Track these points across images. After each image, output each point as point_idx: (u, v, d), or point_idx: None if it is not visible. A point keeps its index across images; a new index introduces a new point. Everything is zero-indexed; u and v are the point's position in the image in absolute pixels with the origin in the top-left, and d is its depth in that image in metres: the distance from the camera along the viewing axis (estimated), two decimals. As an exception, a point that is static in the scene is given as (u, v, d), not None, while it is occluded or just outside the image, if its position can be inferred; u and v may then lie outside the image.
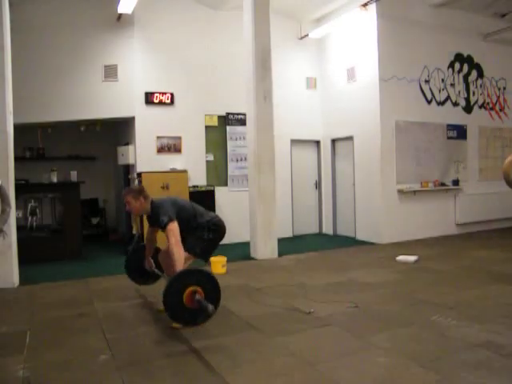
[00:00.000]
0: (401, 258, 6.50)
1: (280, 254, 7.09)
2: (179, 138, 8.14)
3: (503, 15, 9.37)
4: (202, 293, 3.35)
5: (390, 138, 8.19)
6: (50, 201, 7.33)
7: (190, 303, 3.33)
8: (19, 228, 6.02)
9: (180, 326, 3.80)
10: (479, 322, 3.79)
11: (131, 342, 3.62)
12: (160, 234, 4.19)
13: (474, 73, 9.48)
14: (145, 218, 7.16)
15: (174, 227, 3.78)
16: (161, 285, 5.22)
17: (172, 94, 8.02)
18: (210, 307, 3.22)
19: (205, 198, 7.86)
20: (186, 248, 3.85)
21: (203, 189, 7.96)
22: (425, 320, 3.91)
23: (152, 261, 4.51)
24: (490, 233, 9.07)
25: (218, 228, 4.17)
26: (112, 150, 9.32)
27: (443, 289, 4.96)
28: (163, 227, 3.82)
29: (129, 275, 4.73)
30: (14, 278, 5.48)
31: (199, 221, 4.10)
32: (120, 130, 9.08)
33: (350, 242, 8.44)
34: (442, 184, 8.83)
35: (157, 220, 3.91)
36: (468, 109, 9.38)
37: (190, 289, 3.34)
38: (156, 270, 4.50)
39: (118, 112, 7.92)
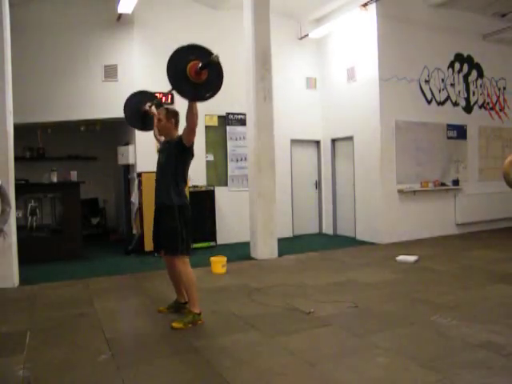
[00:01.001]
0: (401, 257, 6.50)
1: (280, 254, 7.09)
2: (179, 138, 8.13)
3: (503, 15, 9.37)
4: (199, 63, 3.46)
5: (390, 137, 8.19)
6: (50, 201, 7.32)
7: (194, 75, 3.40)
8: (19, 228, 6.01)
9: (180, 326, 3.81)
10: (479, 322, 3.79)
11: (131, 342, 3.62)
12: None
13: (474, 73, 9.49)
14: (145, 217, 7.17)
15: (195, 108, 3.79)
16: (161, 285, 5.24)
17: (172, 94, 8.02)
18: (213, 55, 3.34)
19: (205, 197, 7.86)
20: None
21: (203, 189, 7.96)
22: (425, 320, 3.92)
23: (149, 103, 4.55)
24: (490, 233, 9.07)
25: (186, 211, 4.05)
26: (112, 150, 9.31)
27: (443, 289, 4.96)
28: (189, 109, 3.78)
29: (128, 121, 4.78)
30: (14, 278, 5.48)
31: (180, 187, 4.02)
32: (120, 130, 9.07)
33: (350, 241, 8.44)
34: (442, 184, 8.83)
35: (173, 144, 3.96)
36: (468, 109, 9.39)
37: (191, 63, 3.43)
38: (153, 108, 4.50)
39: (118, 112, 7.87)
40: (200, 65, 3.45)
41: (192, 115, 3.75)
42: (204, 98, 3.65)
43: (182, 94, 3.61)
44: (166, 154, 4.05)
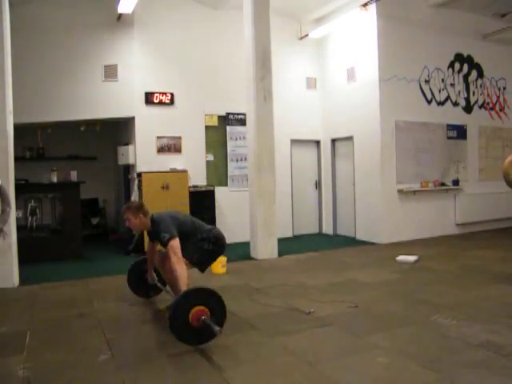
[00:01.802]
0: (401, 257, 6.50)
1: (280, 254, 7.09)
2: (179, 137, 8.14)
3: (503, 15, 9.36)
4: (207, 312, 3.34)
5: (389, 137, 8.19)
6: (50, 201, 7.33)
7: (196, 323, 3.30)
8: (19, 228, 6.02)
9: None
10: (479, 322, 3.79)
11: (131, 342, 3.62)
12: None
13: (474, 73, 9.49)
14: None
15: (175, 244, 3.77)
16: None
17: (172, 94, 8.02)
18: (216, 328, 3.23)
19: (205, 198, 7.86)
20: (184, 254, 3.84)
21: (203, 189, 7.96)
22: (425, 320, 3.92)
23: (154, 274, 4.51)
24: (490, 233, 9.07)
25: (219, 241, 4.17)
26: (112, 149, 9.32)
27: (443, 289, 4.96)
28: (165, 243, 3.81)
29: (131, 288, 4.71)
30: (14, 278, 5.48)
31: (199, 235, 4.09)
32: (120, 129, 9.08)
33: (350, 241, 8.44)
34: (442, 184, 8.83)
35: (157, 235, 3.91)
36: (468, 109, 9.39)
37: (196, 308, 3.31)
38: (158, 284, 4.50)
39: (118, 112, 7.92)
40: (203, 320, 3.29)
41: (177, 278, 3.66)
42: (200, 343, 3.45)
43: (183, 341, 3.40)
44: (159, 239, 3.98)
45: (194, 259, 4.01)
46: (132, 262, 4.78)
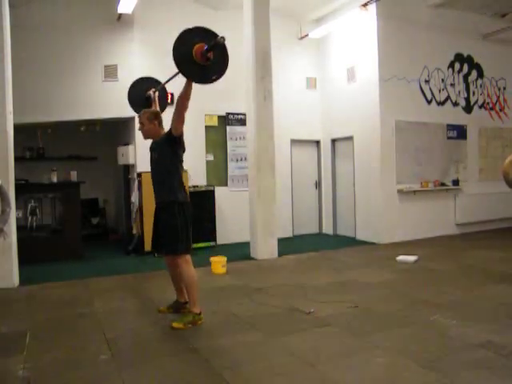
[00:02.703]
0: (401, 257, 6.50)
1: (280, 254, 7.09)
2: (179, 138, 8.13)
3: (503, 15, 9.37)
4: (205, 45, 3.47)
5: (389, 137, 8.19)
6: (50, 201, 7.32)
7: (200, 57, 3.42)
8: (19, 228, 6.01)
9: (180, 326, 3.81)
10: (479, 322, 3.79)
11: (131, 342, 3.62)
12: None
13: (474, 73, 9.49)
14: (145, 217, 7.17)
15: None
16: (161, 285, 5.24)
17: (172, 94, 8.01)
18: (219, 37, 3.37)
19: (205, 197, 7.86)
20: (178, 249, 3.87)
21: (203, 189, 7.96)
22: (425, 320, 3.92)
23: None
24: (489, 233, 9.07)
25: (186, 207, 4.00)
26: (112, 150, 9.31)
27: (443, 289, 4.96)
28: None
29: (133, 107, 4.73)
30: (14, 278, 5.48)
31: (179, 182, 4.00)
32: (120, 130, 9.07)
33: (350, 241, 8.44)
34: (442, 184, 8.83)
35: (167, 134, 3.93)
36: (468, 109, 9.39)
37: (196, 46, 3.43)
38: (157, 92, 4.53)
39: (118, 112, 7.90)
40: (206, 47, 3.45)
41: (185, 98, 3.68)
42: (210, 81, 3.66)
43: (188, 75, 3.59)
44: (158, 151, 4.00)
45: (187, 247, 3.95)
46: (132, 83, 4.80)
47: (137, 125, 4.33)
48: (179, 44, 3.50)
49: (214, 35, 3.58)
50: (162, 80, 4.76)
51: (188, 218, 3.93)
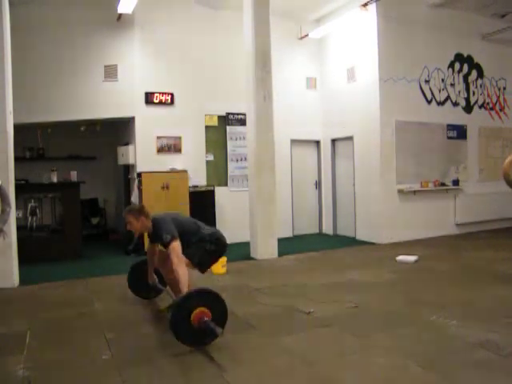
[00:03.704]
0: (401, 257, 6.50)
1: (280, 254, 7.09)
2: (179, 137, 8.13)
3: (503, 15, 9.36)
4: (209, 314, 3.34)
5: (389, 137, 8.19)
6: (50, 201, 7.33)
7: (198, 324, 3.31)
8: (19, 228, 6.02)
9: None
10: (479, 322, 3.79)
11: (131, 342, 3.62)
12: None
13: (474, 73, 9.48)
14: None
15: (176, 246, 3.78)
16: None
17: (172, 94, 8.02)
18: (219, 330, 3.24)
19: (205, 197, 7.86)
20: (186, 254, 3.86)
21: (203, 189, 7.96)
22: (425, 320, 3.92)
23: (155, 276, 4.51)
24: (489, 233, 9.07)
25: (220, 241, 4.17)
26: (112, 150, 9.31)
27: (443, 289, 4.97)
28: (166, 244, 3.83)
29: (131, 289, 4.71)
30: (14, 278, 5.49)
31: (200, 236, 4.09)
32: (120, 130, 9.07)
33: (350, 241, 8.44)
34: (442, 184, 8.83)
35: (159, 237, 3.91)
36: (468, 109, 9.39)
37: (198, 310, 3.33)
38: (159, 285, 4.50)
39: (118, 112, 7.91)
40: (205, 321, 3.30)
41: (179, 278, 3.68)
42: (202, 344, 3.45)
43: (180, 340, 3.38)
44: (159, 240, 3.99)
45: (195, 259, 4.01)
46: (132, 264, 4.77)
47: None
48: (179, 313, 3.33)
49: (218, 300, 3.46)
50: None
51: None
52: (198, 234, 4.09)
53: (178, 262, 3.71)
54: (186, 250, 3.88)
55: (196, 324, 3.31)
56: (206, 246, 4.07)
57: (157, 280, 4.51)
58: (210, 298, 3.45)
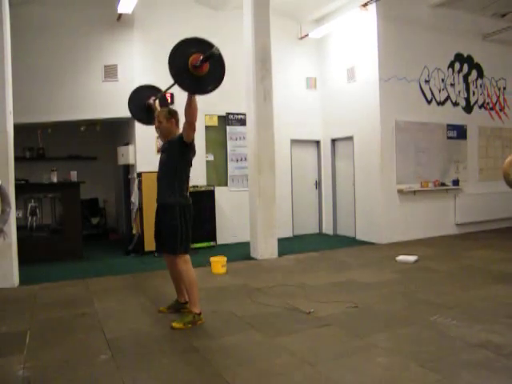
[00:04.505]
0: (401, 257, 6.50)
1: (280, 254, 7.09)
2: (179, 138, 8.13)
3: (503, 15, 9.37)
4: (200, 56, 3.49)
5: (389, 137, 8.19)
6: (50, 201, 7.33)
7: (196, 69, 3.47)
8: (19, 228, 6.02)
9: (180, 326, 3.81)
10: (479, 322, 3.79)
11: (131, 342, 3.62)
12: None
13: (474, 73, 9.49)
14: (145, 217, 7.18)
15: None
16: (161, 285, 5.25)
17: (172, 94, 8.02)
18: (214, 48, 3.40)
19: (205, 197, 7.86)
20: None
21: (203, 189, 7.96)
22: (425, 320, 3.92)
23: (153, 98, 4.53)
24: (489, 233, 9.07)
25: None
26: (112, 149, 9.31)
27: (443, 289, 4.97)
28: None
29: (133, 115, 4.77)
30: (14, 278, 5.48)
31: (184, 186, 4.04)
32: (120, 130, 9.07)
33: (350, 241, 8.44)
34: (442, 184, 8.83)
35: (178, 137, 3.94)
36: (468, 109, 9.39)
37: (193, 57, 3.46)
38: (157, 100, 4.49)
39: (118, 112, 7.87)
40: (201, 58, 3.45)
41: (191, 109, 3.75)
42: (206, 91, 3.68)
43: (184, 87, 3.63)
44: (167, 153, 4.06)
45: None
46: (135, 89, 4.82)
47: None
48: (174, 56, 3.51)
49: (210, 45, 3.58)
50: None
51: (188, 221, 3.97)
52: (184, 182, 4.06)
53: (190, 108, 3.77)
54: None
55: (194, 69, 3.49)
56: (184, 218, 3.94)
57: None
58: (198, 45, 3.60)
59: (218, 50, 3.41)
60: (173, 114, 4.13)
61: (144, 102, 4.64)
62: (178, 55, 3.50)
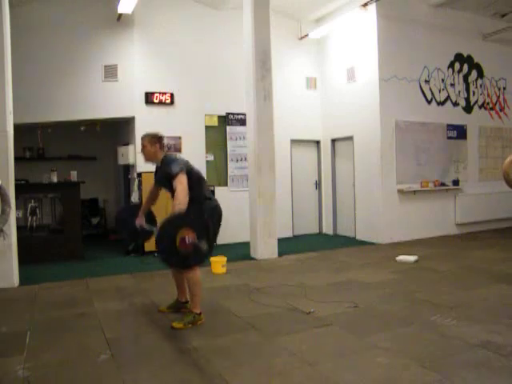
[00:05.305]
0: (401, 257, 6.50)
1: (280, 254, 7.09)
2: (179, 137, 8.14)
3: (503, 15, 9.37)
4: (193, 234, 3.42)
5: (389, 138, 8.19)
6: (50, 201, 7.32)
7: (184, 247, 3.41)
8: (19, 228, 6.01)
9: (180, 326, 3.81)
10: (479, 322, 3.79)
11: (131, 342, 3.62)
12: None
13: (474, 73, 9.49)
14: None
15: (183, 179, 3.73)
16: (161, 285, 5.24)
17: (172, 94, 8.02)
18: (203, 244, 3.36)
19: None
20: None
21: (203, 189, 7.94)
22: (425, 320, 3.92)
23: (143, 218, 4.35)
24: (489, 233, 9.07)
25: (220, 218, 4.09)
26: (112, 149, 9.32)
27: (443, 289, 4.96)
28: (173, 176, 3.74)
29: (121, 234, 4.71)
30: (14, 278, 5.48)
31: (207, 196, 4.05)
32: (120, 130, 9.08)
33: (350, 241, 8.44)
34: (442, 184, 8.83)
35: (166, 171, 3.84)
36: (468, 109, 9.39)
37: (182, 233, 3.41)
38: (146, 226, 4.35)
39: (118, 112, 7.92)
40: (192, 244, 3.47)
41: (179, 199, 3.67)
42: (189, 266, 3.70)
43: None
44: (165, 180, 3.95)
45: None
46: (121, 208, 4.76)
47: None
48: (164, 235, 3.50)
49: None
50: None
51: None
52: (205, 194, 4.05)
53: (181, 190, 3.66)
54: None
55: (182, 247, 3.43)
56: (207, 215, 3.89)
57: (144, 223, 4.33)
58: (191, 220, 3.53)
59: (206, 249, 3.46)
60: (157, 139, 4.06)
61: (134, 227, 4.40)
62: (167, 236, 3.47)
